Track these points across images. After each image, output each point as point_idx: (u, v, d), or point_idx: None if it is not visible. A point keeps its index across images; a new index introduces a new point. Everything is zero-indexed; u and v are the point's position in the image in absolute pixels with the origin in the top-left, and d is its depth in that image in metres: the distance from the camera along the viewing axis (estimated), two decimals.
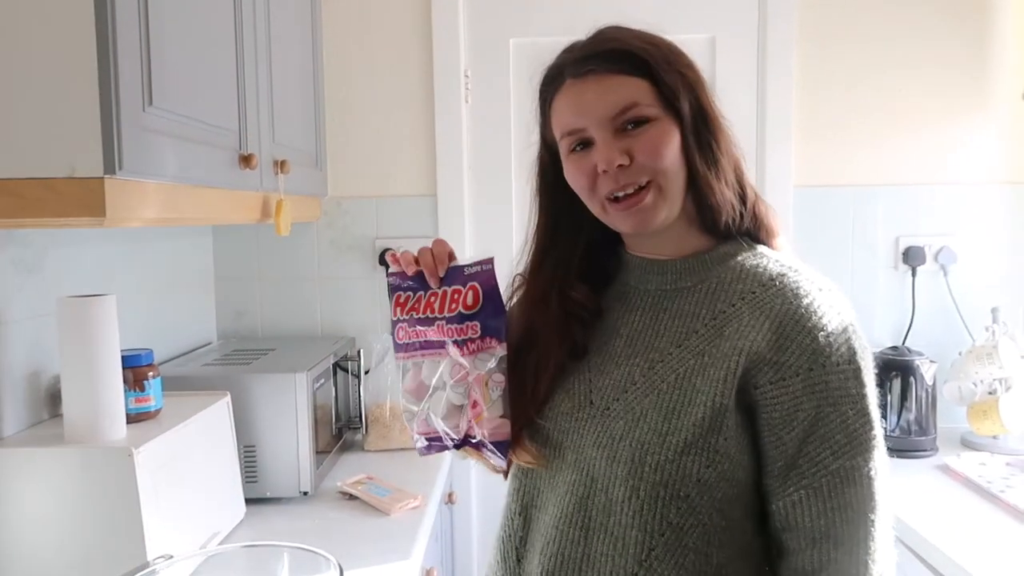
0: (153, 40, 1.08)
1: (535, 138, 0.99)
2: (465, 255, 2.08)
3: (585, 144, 0.88)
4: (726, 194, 0.89)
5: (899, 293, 2.05)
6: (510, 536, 0.96)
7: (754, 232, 0.92)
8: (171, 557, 1.13)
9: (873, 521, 0.82)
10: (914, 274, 2.04)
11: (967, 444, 1.92)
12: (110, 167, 0.99)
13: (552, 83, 0.92)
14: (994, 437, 1.87)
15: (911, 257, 2.03)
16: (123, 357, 1.28)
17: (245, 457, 1.61)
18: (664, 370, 0.87)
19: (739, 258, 0.90)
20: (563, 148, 0.91)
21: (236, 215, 1.50)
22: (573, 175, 0.90)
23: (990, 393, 1.86)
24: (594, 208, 0.91)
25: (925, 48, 2.01)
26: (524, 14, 2.06)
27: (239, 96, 1.44)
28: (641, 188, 0.86)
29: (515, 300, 1.01)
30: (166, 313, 1.85)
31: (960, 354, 1.92)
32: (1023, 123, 2.01)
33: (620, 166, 0.85)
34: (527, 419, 0.92)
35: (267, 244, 2.12)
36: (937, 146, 2.03)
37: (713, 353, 0.85)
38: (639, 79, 0.85)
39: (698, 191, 0.89)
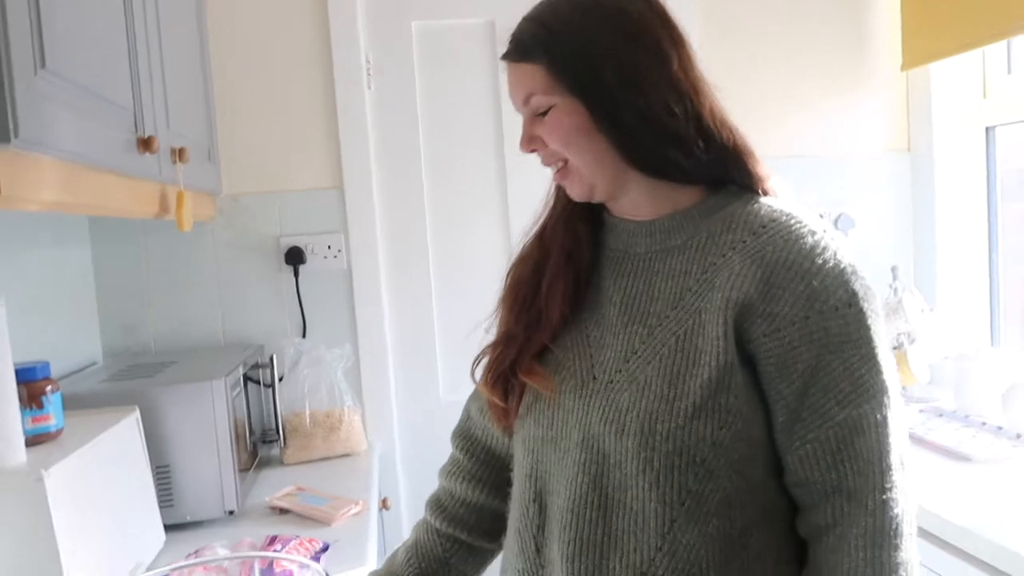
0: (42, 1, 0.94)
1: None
2: (378, 249, 1.99)
3: None
4: (666, 152, 0.84)
5: None
6: (527, 526, 0.89)
7: (742, 179, 0.88)
8: None
9: (885, 471, 0.78)
10: None
11: None
12: (3, 134, 0.85)
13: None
14: (903, 388, 1.97)
15: None
16: (15, 371, 1.10)
17: (159, 478, 1.43)
18: (664, 334, 0.83)
19: (729, 208, 0.86)
20: None
21: (134, 206, 1.34)
22: None
23: (896, 347, 1.97)
24: None
25: (811, 29, 2.11)
26: None
27: (132, 74, 1.29)
28: (564, 166, 0.90)
29: (526, 244, 1.00)
30: (38, 332, 1.62)
31: None
32: (902, 95, 2.14)
33: (533, 150, 0.90)
34: (540, 345, 0.90)
35: (156, 249, 1.92)
36: (828, 120, 2.14)
37: (708, 308, 0.81)
38: (535, 65, 0.85)
39: (631, 158, 0.86)
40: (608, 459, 0.81)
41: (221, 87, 1.90)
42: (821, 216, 2.02)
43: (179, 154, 1.46)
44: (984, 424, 1.70)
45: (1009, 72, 1.99)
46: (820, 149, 2.14)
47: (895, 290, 1.98)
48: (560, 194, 0.97)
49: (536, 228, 0.99)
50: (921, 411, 1.87)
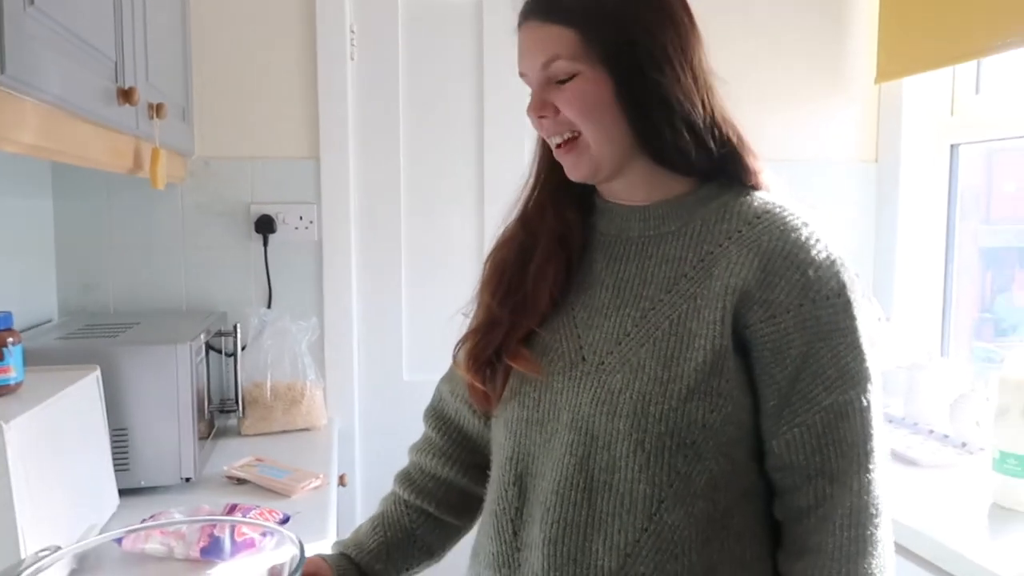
0: None
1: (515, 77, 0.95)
2: (350, 223, 1.96)
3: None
4: (679, 140, 0.85)
5: None
6: (504, 509, 0.89)
7: (734, 171, 0.89)
8: (58, 549, 0.95)
9: (868, 454, 0.81)
10: None
11: None
12: None
13: (517, 23, 0.90)
14: None
15: None
16: None
17: (115, 442, 1.39)
18: (657, 317, 0.84)
19: (723, 198, 0.88)
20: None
21: (109, 159, 1.30)
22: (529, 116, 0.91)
23: None
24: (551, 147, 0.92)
25: (788, 36, 2.14)
26: None
27: (116, 22, 1.25)
28: (571, 139, 0.87)
29: (507, 227, 0.98)
30: None
31: None
32: (874, 107, 2.20)
33: (543, 117, 0.87)
34: (527, 329, 0.89)
35: (120, 207, 1.87)
36: (799, 127, 2.18)
37: (705, 295, 0.83)
38: (567, 29, 0.83)
39: (644, 141, 0.86)
40: (597, 440, 0.82)
41: (200, 46, 1.85)
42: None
43: (157, 109, 1.42)
44: (932, 432, 1.77)
45: (977, 92, 2.06)
46: (791, 154, 2.18)
47: None
48: (544, 177, 0.96)
49: (518, 211, 0.98)
50: None
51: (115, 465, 1.36)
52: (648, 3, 0.86)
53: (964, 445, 1.67)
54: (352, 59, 1.95)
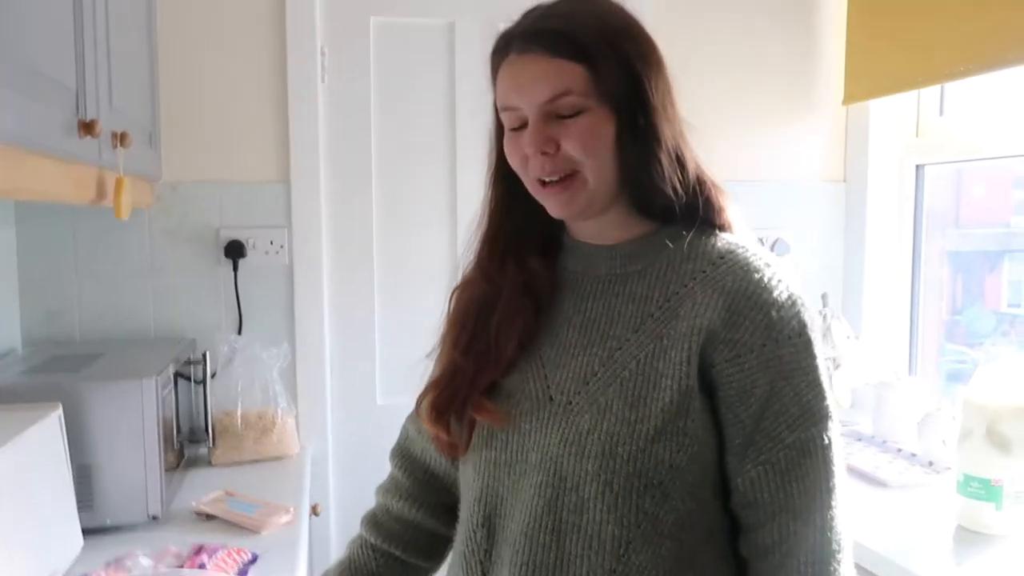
0: None
1: (489, 103, 0.93)
2: (322, 247, 1.94)
3: (524, 123, 0.86)
4: (664, 184, 0.87)
5: None
6: (473, 551, 0.88)
7: (703, 212, 0.90)
8: None
9: (830, 490, 0.83)
10: None
11: None
12: None
13: (499, 52, 0.88)
14: None
15: None
16: None
17: (78, 480, 1.36)
18: (624, 357, 0.85)
19: (687, 237, 0.88)
20: (504, 122, 0.89)
21: (70, 192, 1.27)
22: (508, 152, 0.89)
23: None
24: (529, 187, 0.89)
25: (758, 58, 2.16)
26: None
27: (77, 52, 1.22)
28: (567, 176, 0.85)
29: (467, 269, 0.97)
30: None
31: None
32: (842, 127, 2.22)
33: (545, 153, 0.84)
34: (491, 381, 0.89)
35: (86, 233, 1.83)
36: (771, 147, 2.20)
37: (671, 335, 0.83)
38: (576, 65, 0.83)
39: (633, 181, 0.87)
40: (565, 482, 0.82)
41: (168, 68, 1.82)
42: (763, 244, 2.12)
43: (120, 138, 1.39)
44: (900, 450, 1.79)
45: (941, 114, 2.09)
46: (760, 174, 2.20)
47: (824, 316, 2.05)
48: (500, 221, 0.94)
49: (475, 258, 0.96)
50: (841, 435, 1.93)
51: (79, 503, 1.33)
52: (647, 46, 0.88)
53: (931, 464, 1.69)
54: (323, 81, 1.93)
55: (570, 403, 0.84)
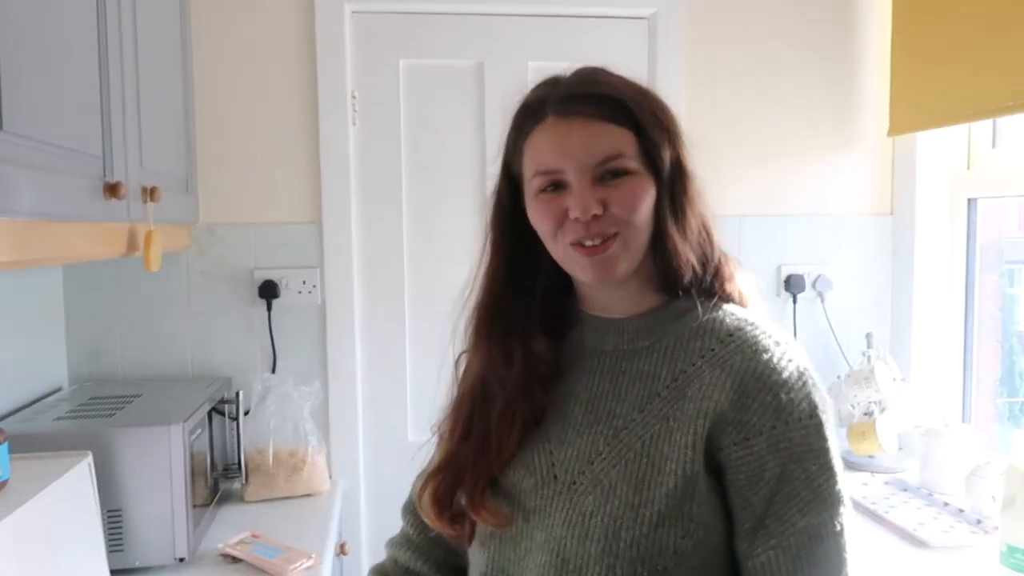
0: (3, 56, 0.92)
1: (495, 169, 0.93)
2: (353, 287, 1.97)
3: (557, 186, 0.85)
4: (689, 255, 0.87)
5: (781, 320, 2.12)
6: None
7: (710, 285, 0.89)
8: None
9: None
10: (795, 301, 2.12)
11: (846, 464, 1.98)
12: None
13: (533, 116, 0.87)
14: (871, 457, 1.97)
15: (792, 285, 2.11)
16: None
17: (109, 522, 1.41)
18: (630, 437, 0.83)
19: (695, 312, 0.87)
20: (533, 186, 0.87)
21: (99, 250, 1.33)
22: (540, 216, 0.87)
23: (867, 415, 1.96)
24: (556, 252, 0.88)
25: (800, 89, 2.10)
26: (414, 34, 1.98)
27: (104, 118, 1.27)
28: (607, 239, 0.84)
29: (468, 350, 0.96)
30: (3, 357, 1.61)
31: (839, 378, 2.01)
32: (888, 159, 2.14)
33: (594, 215, 0.83)
34: (489, 476, 0.88)
35: (128, 275, 1.90)
36: (813, 179, 2.13)
37: (678, 416, 0.82)
38: (625, 129, 0.84)
39: (663, 249, 0.87)
40: (568, 563, 0.81)
41: (204, 115, 1.88)
42: (805, 281, 2.03)
43: (151, 193, 1.44)
44: (947, 505, 1.70)
45: (994, 146, 1.99)
46: (803, 208, 2.13)
47: (868, 358, 1.97)
48: (499, 295, 0.92)
49: (475, 336, 0.94)
50: (886, 483, 1.86)
51: (109, 546, 1.38)
52: (671, 117, 0.89)
53: (979, 522, 1.60)
54: (354, 124, 1.96)
55: (574, 483, 0.84)
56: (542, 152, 0.85)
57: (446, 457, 0.93)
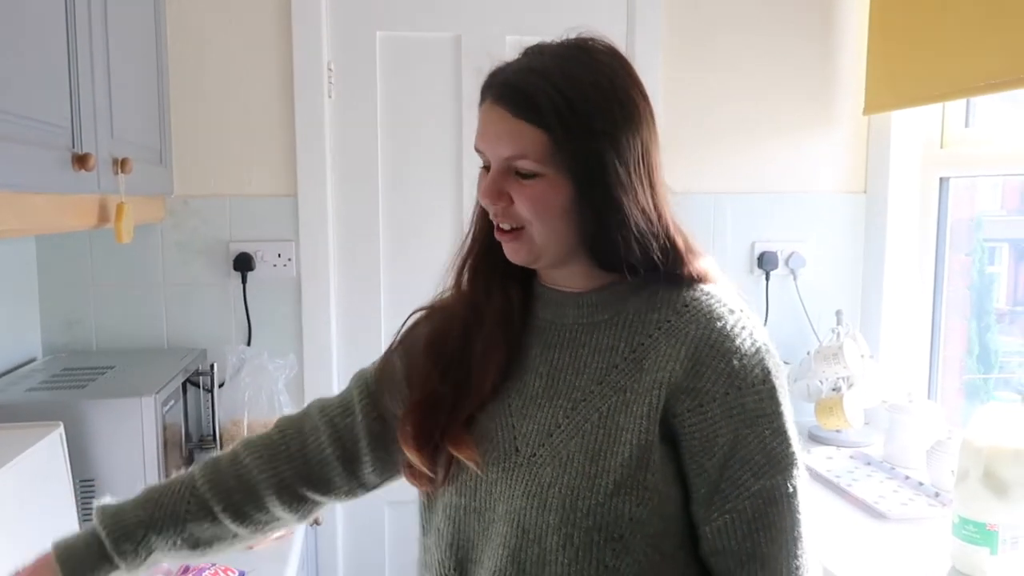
0: None
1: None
2: (329, 260, 1.97)
3: (489, 165, 0.88)
4: (626, 249, 0.85)
5: (753, 297, 2.14)
6: None
7: (667, 261, 0.88)
8: None
9: (797, 538, 0.83)
10: (767, 278, 2.14)
11: (814, 438, 2.05)
12: None
13: (482, 93, 0.88)
14: (837, 431, 2.01)
15: (765, 262, 2.13)
16: None
17: (82, 492, 1.43)
18: (587, 409, 0.85)
19: (653, 286, 0.89)
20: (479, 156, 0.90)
21: (70, 222, 1.32)
22: (478, 188, 0.90)
23: (834, 390, 2.00)
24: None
25: (777, 68, 2.11)
26: (391, 5, 1.96)
27: (72, 88, 1.26)
28: (517, 228, 0.87)
29: (443, 295, 0.98)
30: None
31: (808, 354, 2.04)
32: (863, 138, 2.15)
33: (502, 206, 0.86)
34: (469, 413, 0.89)
35: (103, 246, 1.90)
36: (789, 157, 2.15)
37: (635, 388, 0.84)
38: (538, 130, 0.82)
39: (590, 244, 0.87)
40: (528, 534, 0.83)
41: (178, 88, 1.86)
42: (779, 257, 2.04)
43: (121, 164, 1.43)
44: (908, 478, 1.74)
45: (967, 125, 2.01)
46: (777, 186, 2.15)
47: (837, 334, 2.00)
48: (486, 249, 0.93)
49: (458, 279, 0.96)
50: (851, 457, 1.91)
51: (82, 515, 1.40)
52: (623, 117, 0.84)
53: (937, 495, 1.64)
54: (330, 96, 1.95)
55: (534, 455, 0.85)
56: (477, 132, 0.88)
57: (428, 390, 0.93)
